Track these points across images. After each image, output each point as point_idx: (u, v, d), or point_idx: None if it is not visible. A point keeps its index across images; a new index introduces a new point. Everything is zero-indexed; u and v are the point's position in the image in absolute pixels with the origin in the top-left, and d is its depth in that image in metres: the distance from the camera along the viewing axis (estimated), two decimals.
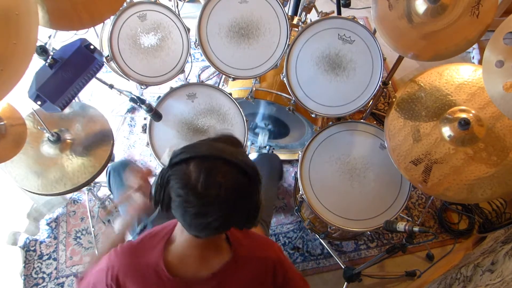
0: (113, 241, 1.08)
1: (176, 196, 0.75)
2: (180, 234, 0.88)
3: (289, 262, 1.02)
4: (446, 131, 1.37)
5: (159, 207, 0.79)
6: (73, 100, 1.28)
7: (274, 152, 2.15)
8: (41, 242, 1.96)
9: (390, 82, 1.61)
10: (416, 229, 1.14)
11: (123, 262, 0.88)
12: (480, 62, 2.56)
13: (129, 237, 1.49)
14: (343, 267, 1.90)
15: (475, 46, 2.63)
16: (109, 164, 1.55)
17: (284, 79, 1.58)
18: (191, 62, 2.38)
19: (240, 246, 0.92)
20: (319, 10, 1.73)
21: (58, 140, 1.46)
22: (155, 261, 0.87)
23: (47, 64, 1.20)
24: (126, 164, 1.59)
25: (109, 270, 0.87)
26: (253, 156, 2.05)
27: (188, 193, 0.72)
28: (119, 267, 0.87)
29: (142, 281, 0.87)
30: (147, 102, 1.36)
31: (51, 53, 1.21)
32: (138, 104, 1.34)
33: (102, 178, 1.57)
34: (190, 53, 1.66)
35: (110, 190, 1.57)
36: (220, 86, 1.84)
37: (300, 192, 1.58)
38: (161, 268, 0.86)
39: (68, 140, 1.50)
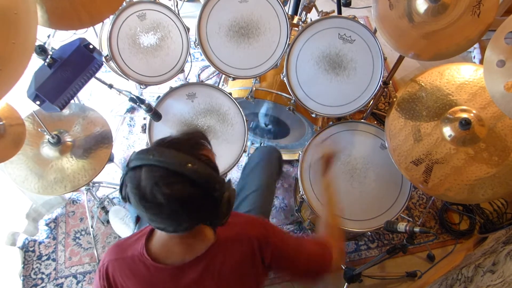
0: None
1: (132, 199, 0.77)
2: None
3: (278, 235, 0.99)
4: (447, 131, 1.37)
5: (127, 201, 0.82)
6: (72, 100, 1.28)
7: None
8: (40, 243, 1.96)
9: (390, 81, 1.61)
10: (417, 229, 1.14)
11: (111, 258, 0.93)
12: (481, 61, 2.56)
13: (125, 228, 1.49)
14: (343, 267, 1.90)
15: (476, 45, 2.63)
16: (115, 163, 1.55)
17: (284, 78, 1.58)
18: (191, 61, 2.39)
19: (223, 229, 0.91)
20: (320, 10, 1.74)
21: (58, 142, 1.46)
22: (139, 252, 0.91)
23: (46, 63, 1.20)
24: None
25: (102, 267, 0.93)
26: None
27: (139, 198, 0.75)
28: (107, 264, 0.93)
29: (130, 273, 0.91)
30: (146, 102, 1.36)
31: (50, 53, 1.21)
32: (137, 104, 1.34)
33: (101, 178, 1.57)
34: (189, 53, 1.66)
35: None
36: (220, 86, 1.84)
37: (301, 192, 1.58)
38: (145, 257, 0.89)
39: (68, 142, 1.50)
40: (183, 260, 0.89)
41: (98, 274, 0.94)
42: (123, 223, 1.81)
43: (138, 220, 1.39)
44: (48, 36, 1.97)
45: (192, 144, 0.81)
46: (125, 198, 0.81)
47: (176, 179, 0.73)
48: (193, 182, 0.74)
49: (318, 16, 1.61)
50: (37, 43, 1.12)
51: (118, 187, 1.65)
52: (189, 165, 0.74)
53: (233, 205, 0.84)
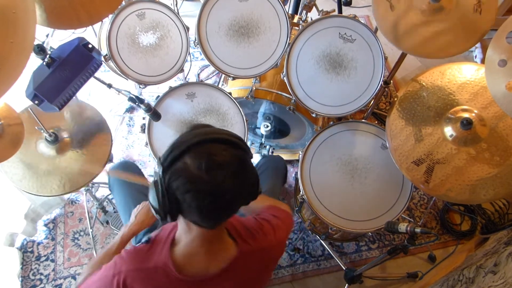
0: (114, 247, 1.09)
1: (185, 194, 0.74)
2: (185, 235, 0.88)
3: (283, 231, 1.04)
4: (448, 131, 1.37)
5: (167, 217, 0.79)
6: (71, 100, 1.28)
7: (275, 152, 2.15)
8: (38, 243, 1.96)
9: (391, 81, 1.61)
10: (418, 230, 1.14)
11: (130, 268, 0.87)
12: (482, 61, 2.56)
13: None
14: (344, 268, 1.90)
15: (478, 45, 2.63)
16: (110, 165, 1.55)
17: (285, 78, 1.58)
18: (190, 61, 2.39)
19: (243, 240, 0.93)
20: (320, 9, 1.74)
21: (55, 140, 1.46)
22: (163, 263, 0.86)
23: (44, 63, 1.19)
24: (127, 165, 1.60)
25: (115, 277, 0.86)
26: (254, 157, 2.05)
27: (197, 184, 0.73)
28: (126, 272, 0.86)
29: (152, 285, 0.86)
30: (146, 101, 1.36)
31: (49, 52, 1.20)
32: (136, 103, 1.34)
33: (100, 178, 1.57)
34: (189, 52, 1.66)
35: (110, 190, 1.57)
36: (219, 86, 1.84)
37: (301, 192, 1.58)
38: (170, 269, 0.85)
39: (66, 140, 1.50)
40: (207, 271, 0.88)
41: (112, 280, 0.85)
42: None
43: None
44: (47, 36, 1.97)
45: (206, 125, 0.84)
46: (168, 211, 0.77)
47: (222, 146, 0.76)
48: (235, 144, 0.78)
49: (319, 15, 1.61)
50: (36, 42, 1.12)
51: None
52: (225, 132, 0.79)
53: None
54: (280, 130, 2.05)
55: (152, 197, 0.78)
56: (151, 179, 0.81)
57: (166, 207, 0.77)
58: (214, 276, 0.88)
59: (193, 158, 0.73)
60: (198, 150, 0.74)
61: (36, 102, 1.18)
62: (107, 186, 2.00)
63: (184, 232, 0.88)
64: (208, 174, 0.72)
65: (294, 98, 1.60)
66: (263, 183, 1.52)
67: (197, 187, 0.73)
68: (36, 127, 1.41)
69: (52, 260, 1.93)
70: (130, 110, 2.39)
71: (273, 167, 1.61)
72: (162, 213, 0.78)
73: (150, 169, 2.19)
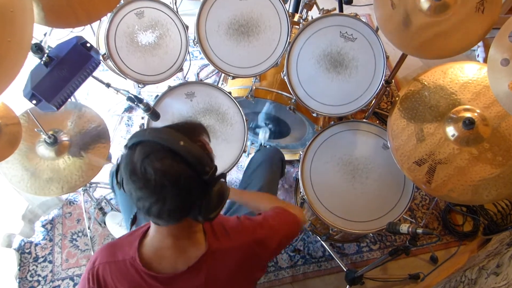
0: None
1: (124, 177, 0.78)
2: (153, 227, 0.91)
3: (273, 229, 1.02)
4: (451, 130, 1.37)
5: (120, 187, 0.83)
6: (69, 99, 1.28)
7: None
8: (36, 244, 1.96)
9: (393, 80, 1.61)
10: (419, 231, 1.14)
11: (102, 261, 0.91)
12: (485, 60, 2.55)
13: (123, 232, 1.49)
14: (345, 269, 1.90)
15: (480, 43, 2.63)
16: (113, 165, 1.55)
17: (285, 77, 1.58)
18: (190, 60, 2.39)
19: (215, 238, 0.93)
20: (321, 7, 1.74)
21: (54, 142, 1.46)
22: (131, 256, 0.90)
23: (42, 62, 1.19)
24: None
25: (89, 272, 0.91)
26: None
27: (129, 173, 0.76)
28: (98, 266, 0.91)
29: (123, 278, 0.90)
30: (144, 101, 1.36)
31: (47, 51, 1.21)
32: (135, 103, 1.34)
33: (98, 178, 1.57)
34: (188, 51, 1.66)
35: (113, 191, 1.57)
36: (219, 85, 1.84)
37: (301, 193, 1.58)
38: (137, 263, 0.88)
39: (65, 142, 1.50)
40: (175, 267, 0.89)
41: (87, 276, 0.92)
42: (120, 228, 1.82)
43: (134, 221, 1.38)
44: (45, 34, 1.97)
45: (189, 128, 0.84)
46: (119, 184, 0.81)
47: (167, 155, 0.75)
48: (184, 160, 0.75)
49: (319, 14, 1.61)
50: (34, 41, 1.12)
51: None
52: (182, 142, 0.76)
53: (225, 200, 0.84)
54: (280, 130, 2.05)
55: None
56: None
57: (117, 177, 0.82)
58: (183, 273, 0.89)
59: (139, 151, 0.76)
60: (146, 147, 0.77)
61: (34, 101, 1.18)
62: (106, 186, 2.01)
63: (152, 225, 0.91)
64: (140, 170, 0.75)
65: (294, 98, 1.60)
66: (258, 178, 1.51)
67: (129, 178, 0.77)
68: (35, 129, 1.41)
69: (50, 261, 1.93)
70: (129, 109, 2.39)
71: (267, 160, 1.58)
72: (116, 179, 0.83)
73: None
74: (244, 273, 0.98)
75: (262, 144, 2.07)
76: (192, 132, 0.83)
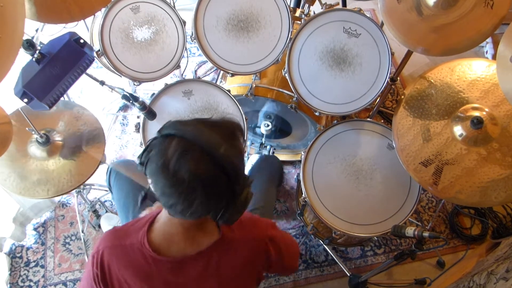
0: None
1: (153, 165, 0.78)
2: (164, 213, 0.92)
3: (283, 238, 1.07)
4: (458, 130, 1.37)
5: (143, 169, 0.83)
6: (62, 98, 1.28)
7: (276, 152, 2.15)
8: (27, 248, 1.96)
9: (398, 78, 1.61)
10: (426, 234, 1.14)
11: (107, 245, 0.93)
12: (494, 57, 2.56)
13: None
14: (348, 274, 1.90)
15: (489, 40, 2.63)
16: (108, 164, 1.55)
17: (286, 75, 1.58)
18: (187, 57, 2.38)
19: (229, 229, 0.95)
20: (323, 2, 1.73)
21: (47, 142, 1.46)
22: (139, 241, 0.90)
23: (34, 59, 1.19)
24: (129, 164, 1.60)
25: (94, 256, 0.92)
26: (253, 157, 2.05)
27: (161, 166, 0.76)
28: (103, 250, 0.92)
29: (128, 263, 0.91)
30: (140, 99, 1.36)
31: (39, 48, 1.21)
32: (130, 101, 1.34)
33: (93, 180, 1.57)
34: (186, 48, 1.66)
35: (110, 190, 1.57)
36: (218, 83, 1.84)
37: (303, 195, 1.58)
38: (146, 247, 0.89)
39: (57, 142, 1.50)
40: (184, 253, 0.91)
41: (92, 260, 0.93)
42: None
43: (144, 199, 1.38)
44: (37, 30, 1.97)
45: (231, 132, 0.83)
46: (143, 163, 0.82)
47: (205, 158, 0.75)
48: (221, 167, 0.76)
49: (322, 8, 1.61)
50: (25, 37, 1.12)
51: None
52: (222, 149, 0.76)
53: (247, 205, 0.85)
54: (281, 129, 2.05)
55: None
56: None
57: (142, 159, 0.82)
58: (191, 258, 0.91)
59: (176, 146, 0.76)
60: (185, 144, 0.76)
61: (25, 100, 1.18)
62: (100, 188, 2.01)
63: (164, 213, 0.92)
64: (173, 167, 0.75)
65: (296, 96, 1.60)
66: (255, 186, 1.53)
67: (159, 170, 0.77)
68: (27, 128, 1.41)
69: (42, 266, 1.93)
70: (124, 108, 2.39)
71: (267, 170, 1.63)
72: (139, 160, 0.83)
73: None
74: (251, 267, 1.00)
75: (263, 142, 2.07)
76: (231, 136, 0.83)
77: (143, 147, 1.57)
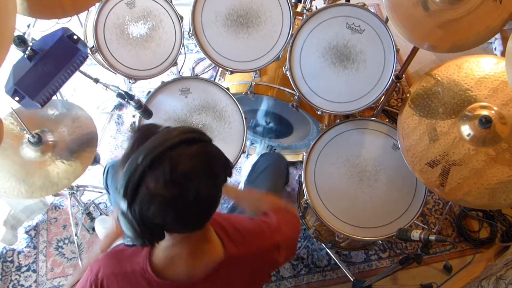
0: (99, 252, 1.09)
1: (165, 217, 0.73)
2: (166, 236, 0.87)
3: (288, 237, 1.07)
4: (466, 129, 1.37)
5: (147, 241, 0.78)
6: (55, 96, 1.28)
7: (276, 152, 2.15)
8: (19, 252, 1.96)
9: (403, 75, 1.61)
10: (432, 237, 1.14)
11: (106, 272, 0.89)
12: (503, 53, 2.56)
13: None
14: (352, 279, 1.90)
15: (498, 36, 2.63)
16: (108, 162, 1.56)
17: (287, 72, 1.58)
18: (185, 53, 2.38)
19: (233, 244, 0.94)
20: None
21: (39, 141, 1.46)
22: (141, 267, 0.88)
23: (25, 56, 1.20)
24: None
25: (91, 284, 0.88)
26: (253, 158, 2.05)
27: (173, 204, 0.72)
28: (102, 277, 0.88)
29: None
30: (136, 98, 1.36)
31: (30, 44, 1.21)
32: (126, 100, 1.34)
33: (86, 181, 1.58)
34: (183, 44, 1.66)
35: (107, 190, 1.57)
36: (216, 80, 1.84)
37: (305, 197, 1.58)
38: (149, 273, 0.87)
39: (50, 142, 1.50)
40: (190, 275, 0.89)
41: (89, 285, 0.89)
42: None
43: None
44: (28, 26, 1.97)
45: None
46: (144, 236, 0.76)
47: (211, 177, 0.77)
48: (193, 139, 0.76)
49: (324, 3, 1.61)
50: (16, 33, 1.12)
51: (104, 192, 1.65)
52: (177, 131, 0.75)
53: None
54: (282, 129, 2.05)
55: (127, 228, 0.75)
56: None
57: (147, 235, 0.76)
58: (199, 281, 0.89)
59: (155, 180, 0.70)
60: (155, 168, 0.70)
61: (17, 98, 1.18)
62: (94, 190, 2.01)
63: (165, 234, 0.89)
64: (179, 189, 0.71)
65: (297, 94, 1.60)
66: (263, 183, 1.53)
67: (174, 207, 0.72)
68: (18, 128, 1.41)
69: (34, 271, 1.93)
70: (119, 107, 2.39)
71: (273, 166, 1.61)
72: (142, 241, 0.77)
73: None
74: (258, 278, 1.02)
75: (263, 142, 2.07)
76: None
77: None
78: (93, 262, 0.92)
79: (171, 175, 0.70)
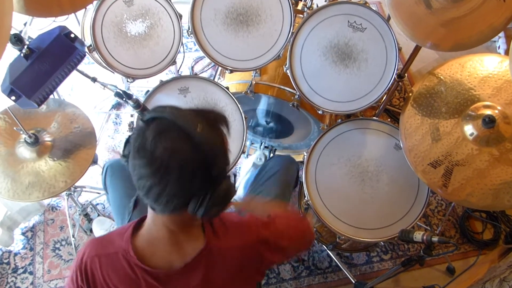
0: None
1: (132, 150, 0.81)
2: (149, 216, 0.92)
3: (279, 232, 1.05)
4: (469, 129, 1.37)
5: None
6: (51, 95, 1.28)
7: (277, 153, 2.15)
8: (15, 254, 1.96)
9: (406, 74, 1.61)
10: (435, 239, 1.14)
11: (91, 254, 0.93)
12: (506, 52, 2.56)
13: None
14: (353, 281, 1.90)
15: (501, 34, 2.63)
16: (106, 161, 1.56)
17: (288, 71, 1.58)
18: (184, 52, 2.38)
19: (214, 236, 0.95)
20: None
21: (36, 142, 1.46)
22: (123, 248, 0.91)
23: (22, 54, 1.20)
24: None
25: (77, 269, 0.93)
26: (253, 158, 2.05)
27: (138, 148, 0.78)
28: (86, 260, 0.92)
29: (113, 272, 0.91)
30: (134, 97, 1.36)
31: (27, 42, 1.21)
32: (124, 99, 1.34)
33: (84, 182, 1.58)
34: (182, 43, 1.66)
35: (105, 190, 1.57)
36: (216, 79, 1.84)
37: (305, 198, 1.58)
38: (130, 255, 0.90)
39: (47, 142, 1.50)
40: (170, 263, 0.91)
41: (75, 272, 0.93)
42: None
43: (135, 206, 1.39)
44: (25, 24, 1.97)
45: (212, 116, 0.85)
46: (126, 156, 0.84)
47: (181, 136, 0.77)
48: (196, 146, 0.77)
49: (325, 1, 1.61)
50: (12, 31, 1.12)
51: (102, 192, 1.65)
52: (199, 128, 0.77)
53: (229, 201, 0.85)
54: (282, 128, 2.05)
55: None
56: None
57: (125, 144, 0.86)
58: (178, 272, 0.91)
59: (154, 127, 0.79)
60: (163, 124, 0.79)
61: (13, 97, 1.18)
62: (92, 190, 2.01)
63: (150, 216, 0.92)
64: (150, 146, 0.77)
65: (298, 93, 1.60)
66: (272, 186, 1.52)
67: (137, 150, 0.79)
68: (14, 128, 1.41)
69: (31, 273, 1.93)
70: (117, 106, 2.39)
71: (284, 171, 1.60)
72: (123, 151, 0.86)
73: None
74: (244, 275, 1.00)
75: (263, 142, 2.07)
76: (213, 120, 0.84)
77: None
78: (81, 249, 0.96)
79: (154, 133, 0.77)
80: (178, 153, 0.76)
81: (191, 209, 0.82)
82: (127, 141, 0.86)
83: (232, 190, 0.85)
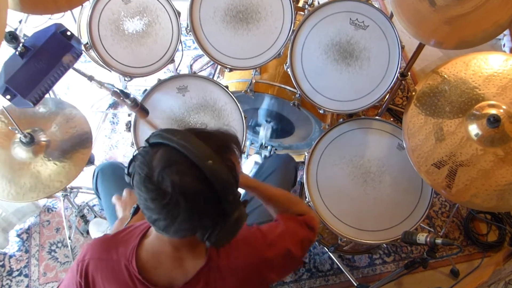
0: None
1: (137, 177, 0.78)
2: (155, 232, 0.92)
3: (282, 256, 1.02)
4: (473, 129, 1.37)
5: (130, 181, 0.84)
6: (47, 94, 1.28)
7: (277, 153, 2.15)
8: (10, 256, 1.96)
9: (409, 73, 1.61)
10: (438, 241, 1.14)
11: (94, 256, 0.93)
12: (511, 50, 2.56)
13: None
14: (355, 284, 1.90)
15: (507, 32, 2.63)
16: (96, 166, 1.55)
17: (288, 70, 1.58)
18: (182, 50, 2.38)
19: (217, 254, 0.94)
20: None
21: (31, 141, 1.46)
22: (127, 257, 0.91)
23: (17, 53, 1.19)
24: (117, 167, 1.59)
25: (78, 264, 0.93)
26: (254, 157, 2.05)
27: (144, 177, 0.76)
28: (89, 260, 0.92)
29: (113, 278, 0.91)
30: (131, 96, 1.36)
31: (22, 40, 1.21)
32: (121, 98, 1.34)
33: (80, 183, 1.58)
34: (180, 41, 1.66)
35: (97, 195, 1.57)
36: (215, 78, 1.84)
37: (307, 198, 1.58)
38: (132, 266, 0.90)
39: (43, 142, 1.50)
40: (170, 279, 0.90)
41: (76, 268, 0.94)
42: None
43: (136, 212, 1.38)
44: (20, 22, 1.97)
45: (222, 144, 0.83)
46: (129, 174, 0.82)
47: (190, 170, 0.74)
48: (207, 181, 0.75)
49: None
50: (7, 29, 1.12)
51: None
52: (210, 161, 0.75)
53: (240, 228, 0.84)
54: (283, 128, 2.05)
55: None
56: None
57: (128, 169, 0.83)
58: None
59: (161, 155, 0.76)
60: (171, 154, 0.76)
61: (8, 96, 1.18)
62: (88, 191, 2.01)
63: (155, 232, 0.92)
64: (157, 178, 0.74)
65: (299, 92, 1.60)
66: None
67: (142, 180, 0.76)
68: (10, 127, 1.41)
69: (26, 275, 1.93)
70: (114, 105, 2.39)
71: (282, 169, 1.60)
72: (126, 171, 0.84)
73: None
74: None
75: (263, 143, 2.07)
76: (224, 148, 0.82)
77: (135, 147, 1.58)
78: (85, 246, 0.96)
79: (161, 165, 0.75)
80: (187, 188, 0.74)
81: (200, 237, 0.82)
82: (132, 160, 0.82)
83: (243, 218, 0.83)
